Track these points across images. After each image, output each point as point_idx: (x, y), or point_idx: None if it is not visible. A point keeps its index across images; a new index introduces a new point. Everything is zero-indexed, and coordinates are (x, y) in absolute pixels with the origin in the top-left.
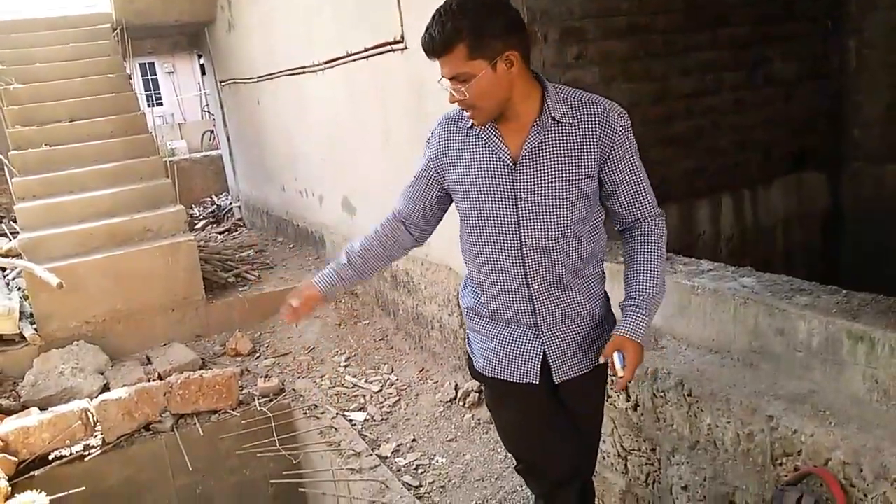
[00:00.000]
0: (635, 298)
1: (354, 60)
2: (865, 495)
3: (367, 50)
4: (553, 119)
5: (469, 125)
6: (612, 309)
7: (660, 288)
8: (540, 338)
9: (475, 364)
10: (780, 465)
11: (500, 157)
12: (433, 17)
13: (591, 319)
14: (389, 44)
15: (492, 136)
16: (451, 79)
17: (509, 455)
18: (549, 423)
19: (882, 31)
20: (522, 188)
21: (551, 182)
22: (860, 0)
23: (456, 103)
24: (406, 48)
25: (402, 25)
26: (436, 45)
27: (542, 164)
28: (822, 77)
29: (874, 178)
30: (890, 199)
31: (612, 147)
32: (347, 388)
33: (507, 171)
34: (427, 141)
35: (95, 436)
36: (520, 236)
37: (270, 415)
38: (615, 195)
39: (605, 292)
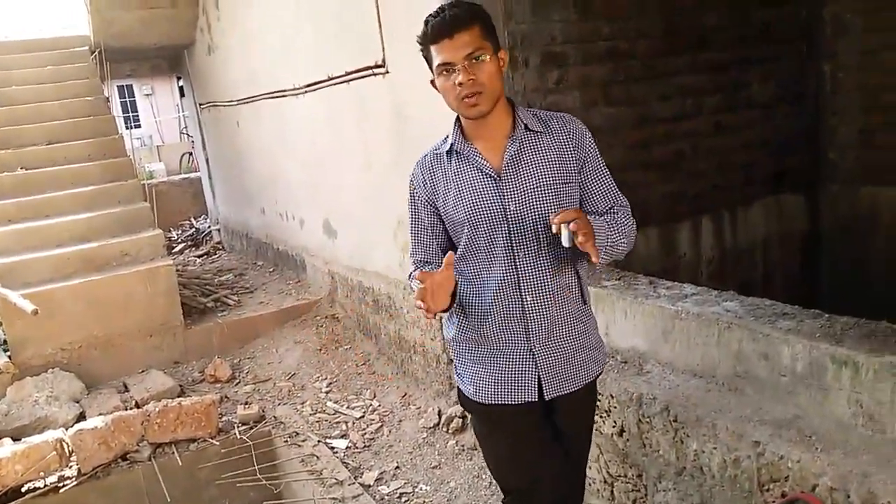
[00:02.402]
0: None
1: (335, 84)
2: None
3: (347, 74)
4: (526, 128)
5: (447, 149)
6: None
7: (617, 235)
8: (533, 354)
9: (466, 392)
10: (768, 490)
11: (484, 172)
12: (440, 7)
13: (580, 337)
14: (371, 68)
15: (473, 155)
16: (465, 57)
17: (494, 482)
18: (541, 446)
19: (855, 55)
20: (510, 198)
21: (536, 188)
22: (834, 24)
23: (463, 87)
24: (387, 72)
25: (383, 49)
26: (455, 21)
27: (525, 170)
28: (799, 100)
29: (850, 200)
30: (865, 221)
31: (584, 154)
32: (329, 414)
33: (492, 183)
34: (410, 184)
35: (71, 466)
36: (512, 248)
37: (250, 443)
38: (591, 201)
39: (591, 311)
